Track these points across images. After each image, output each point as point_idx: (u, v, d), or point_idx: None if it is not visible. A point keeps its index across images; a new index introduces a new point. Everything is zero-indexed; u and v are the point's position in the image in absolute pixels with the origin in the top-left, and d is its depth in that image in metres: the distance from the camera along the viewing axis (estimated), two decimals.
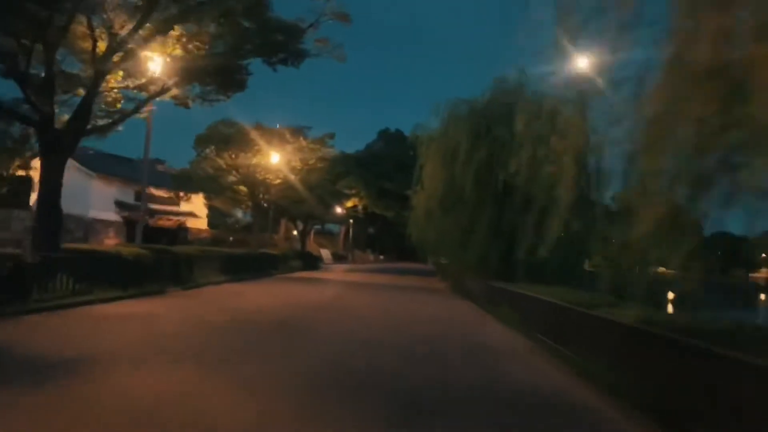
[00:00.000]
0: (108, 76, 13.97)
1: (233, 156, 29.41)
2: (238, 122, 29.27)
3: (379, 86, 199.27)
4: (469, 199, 24.10)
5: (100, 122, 15.34)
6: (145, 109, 15.84)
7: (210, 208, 54.49)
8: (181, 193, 46.69)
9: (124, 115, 15.39)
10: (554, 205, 23.74)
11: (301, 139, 30.98)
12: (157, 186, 40.06)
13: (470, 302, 21.12)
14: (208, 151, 29.55)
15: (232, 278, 23.26)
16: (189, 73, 14.39)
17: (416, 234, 38.23)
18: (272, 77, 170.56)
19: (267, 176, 29.60)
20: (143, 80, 14.65)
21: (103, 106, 15.27)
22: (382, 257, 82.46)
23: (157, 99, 15.39)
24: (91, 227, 42.88)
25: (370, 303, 18.80)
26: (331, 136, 32.18)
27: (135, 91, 15.13)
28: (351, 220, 74.84)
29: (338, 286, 25.20)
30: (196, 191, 31.00)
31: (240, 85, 16.05)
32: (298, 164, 31.31)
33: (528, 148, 23.89)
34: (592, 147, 22.69)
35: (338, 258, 71.06)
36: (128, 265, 15.13)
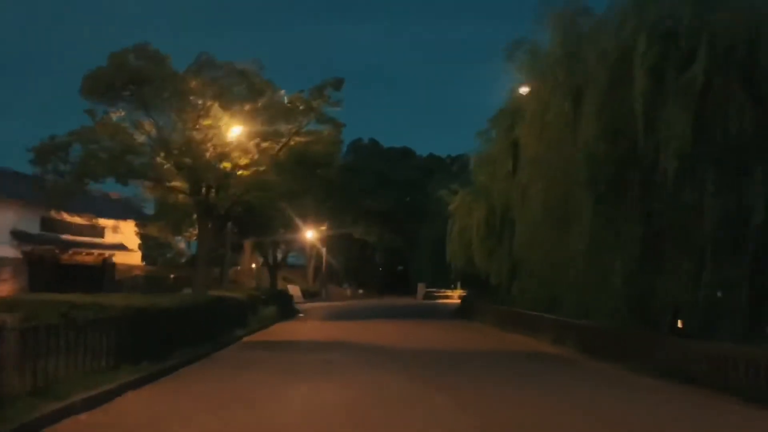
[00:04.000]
0: None
1: (157, 122, 15.41)
2: (165, 54, 15.11)
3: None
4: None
5: None
6: None
7: (143, 237, 42.34)
8: (109, 221, 37.39)
9: None
10: None
11: (282, 92, 17.10)
12: (75, 211, 30.88)
13: None
14: (111, 111, 15.32)
15: (142, 373, 9.34)
16: None
17: (462, 255, 25.08)
18: None
19: (224, 153, 15.45)
20: None
21: None
22: (361, 292, 68.87)
23: None
24: None
25: None
26: (338, 84, 17.88)
27: None
28: (324, 248, 60.91)
29: (365, 377, 11.54)
30: (75, 188, 16.52)
31: None
32: (281, 132, 17.20)
33: None
34: None
35: (310, 296, 57.41)
36: None
